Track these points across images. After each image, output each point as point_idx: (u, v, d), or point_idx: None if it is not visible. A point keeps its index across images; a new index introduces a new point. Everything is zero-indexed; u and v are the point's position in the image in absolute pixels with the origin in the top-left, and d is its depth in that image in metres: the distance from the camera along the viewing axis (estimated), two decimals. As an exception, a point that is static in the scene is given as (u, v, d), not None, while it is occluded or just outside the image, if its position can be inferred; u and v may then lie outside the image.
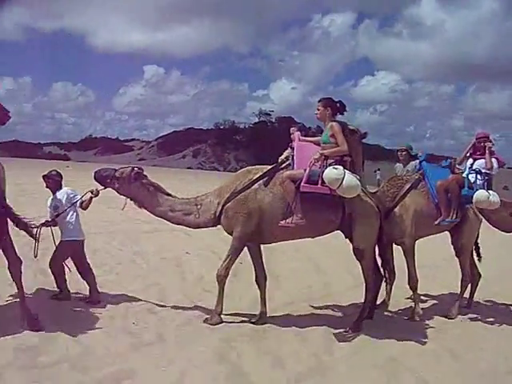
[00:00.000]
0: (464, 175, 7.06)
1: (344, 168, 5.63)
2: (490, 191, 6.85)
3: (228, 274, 6.14)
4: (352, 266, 7.00)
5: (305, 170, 5.72)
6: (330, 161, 5.75)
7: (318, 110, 6.08)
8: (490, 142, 7.14)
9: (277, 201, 5.95)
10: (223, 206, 6.11)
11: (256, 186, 6.07)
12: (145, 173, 6.43)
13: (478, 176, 7.00)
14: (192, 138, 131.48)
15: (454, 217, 6.82)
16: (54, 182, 6.59)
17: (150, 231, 11.67)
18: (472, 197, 6.77)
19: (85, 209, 6.57)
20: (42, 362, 4.56)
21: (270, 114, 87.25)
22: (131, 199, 6.36)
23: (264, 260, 6.48)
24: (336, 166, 5.62)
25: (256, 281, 6.48)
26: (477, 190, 6.82)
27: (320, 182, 5.65)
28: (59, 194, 6.52)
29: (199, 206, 6.28)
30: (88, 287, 6.58)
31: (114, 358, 4.78)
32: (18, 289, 5.52)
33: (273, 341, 5.70)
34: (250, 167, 6.62)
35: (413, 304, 6.98)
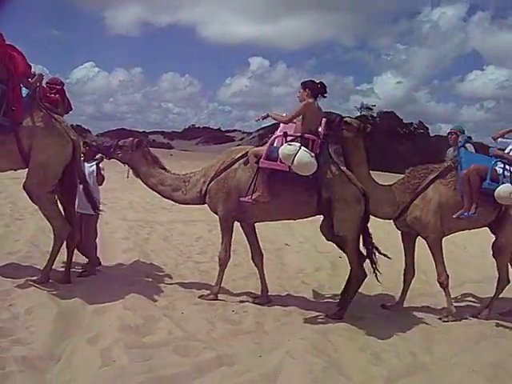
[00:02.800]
0: (490, 165, 6.35)
1: (304, 146, 5.62)
2: None
3: (229, 255, 6.35)
4: (452, 264, 6.73)
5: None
6: (289, 138, 5.77)
7: (299, 92, 6.07)
8: None
9: (251, 174, 6.01)
10: (208, 185, 6.29)
11: (236, 165, 6.18)
12: (145, 143, 6.71)
13: (507, 167, 6.35)
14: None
15: (473, 211, 6.20)
16: (91, 151, 6.87)
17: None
18: (494, 191, 6.17)
19: (100, 183, 6.94)
20: (145, 342, 4.72)
21: (371, 109, 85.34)
22: (131, 168, 6.63)
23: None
24: (291, 143, 5.63)
25: (252, 259, 6.62)
26: (503, 183, 6.21)
27: (279, 158, 5.65)
28: (87, 165, 6.81)
29: (187, 184, 6.49)
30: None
31: (213, 344, 4.86)
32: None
33: (370, 336, 5.59)
34: (233, 147, 6.85)
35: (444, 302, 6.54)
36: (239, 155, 6.25)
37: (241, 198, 5.96)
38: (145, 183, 6.67)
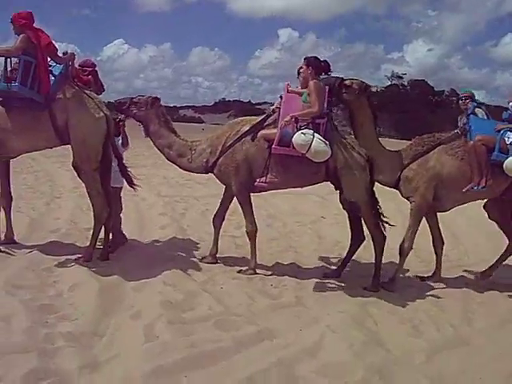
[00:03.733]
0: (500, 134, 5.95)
1: (316, 131, 5.63)
2: None
3: (256, 227, 6.43)
4: (492, 236, 6.61)
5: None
6: (301, 123, 5.71)
7: (302, 67, 6.07)
8: None
9: (261, 153, 6.06)
10: (216, 160, 6.31)
11: (243, 139, 6.18)
12: (161, 102, 6.65)
13: None
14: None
15: (483, 185, 5.89)
16: (119, 127, 6.94)
17: (284, 192, 11.77)
18: (503, 162, 5.83)
19: (126, 144, 7.01)
20: (186, 317, 4.78)
21: (402, 77, 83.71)
22: (143, 126, 6.60)
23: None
24: (304, 131, 5.61)
25: (213, 221, 6.81)
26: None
27: (291, 144, 5.65)
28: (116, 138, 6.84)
29: (193, 152, 6.48)
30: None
31: (253, 319, 4.89)
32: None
33: (409, 309, 5.56)
34: (240, 118, 6.77)
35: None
36: (245, 128, 6.25)
37: (256, 183, 6.07)
38: (153, 143, 6.65)
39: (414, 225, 6.18)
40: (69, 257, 6.21)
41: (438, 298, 5.94)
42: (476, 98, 6.60)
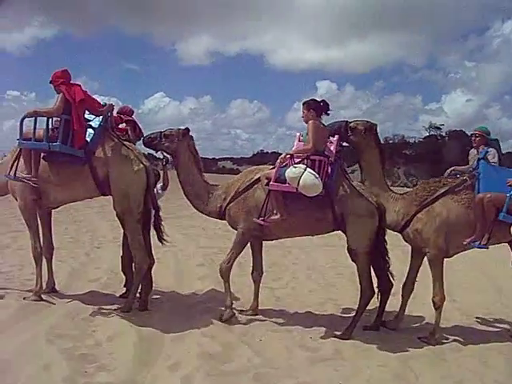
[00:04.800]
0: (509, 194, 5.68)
1: (309, 167, 5.68)
2: None
3: (231, 267, 6.29)
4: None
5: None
6: (296, 160, 5.76)
7: (303, 112, 6.11)
8: None
9: (266, 197, 6.02)
10: (227, 204, 6.32)
11: (255, 185, 6.21)
12: (191, 133, 6.61)
13: None
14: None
15: (485, 242, 5.70)
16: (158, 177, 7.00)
17: (323, 245, 11.71)
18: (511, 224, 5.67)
19: (166, 186, 7.10)
20: (225, 370, 4.72)
21: (440, 128, 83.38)
22: (174, 157, 6.58)
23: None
24: (296, 165, 5.70)
25: (252, 275, 6.61)
26: None
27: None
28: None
29: (210, 195, 6.49)
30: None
31: (292, 372, 4.80)
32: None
33: (452, 363, 5.37)
34: (255, 166, 6.75)
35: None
36: (258, 176, 6.25)
37: (254, 219, 6.01)
38: (178, 176, 6.63)
39: (437, 276, 6.01)
40: (108, 306, 6.24)
41: (481, 352, 5.71)
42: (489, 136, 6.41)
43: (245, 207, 6.20)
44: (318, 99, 6.15)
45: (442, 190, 6.07)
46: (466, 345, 5.94)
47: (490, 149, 6.18)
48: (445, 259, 6.05)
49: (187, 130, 6.58)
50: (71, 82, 6.18)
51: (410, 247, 6.41)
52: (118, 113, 6.91)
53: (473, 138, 6.52)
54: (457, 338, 6.19)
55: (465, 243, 5.86)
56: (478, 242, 5.77)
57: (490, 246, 5.84)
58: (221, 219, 6.59)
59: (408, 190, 6.70)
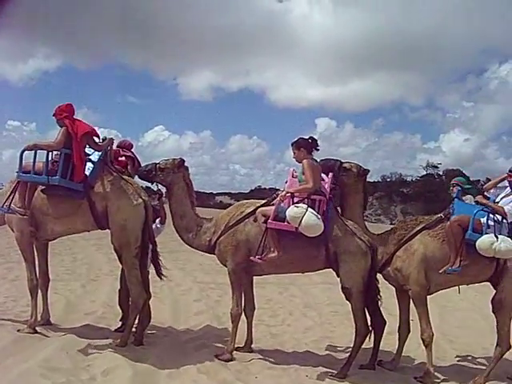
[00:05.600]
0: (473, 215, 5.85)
1: (310, 207, 5.68)
2: (502, 236, 5.68)
3: (241, 310, 6.24)
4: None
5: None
6: (296, 199, 5.75)
7: (294, 153, 6.12)
8: None
9: (261, 233, 5.93)
10: (218, 237, 6.23)
11: (246, 220, 6.16)
12: (186, 164, 6.53)
13: (491, 216, 5.87)
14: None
15: (457, 265, 5.75)
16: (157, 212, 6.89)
17: (320, 283, 11.65)
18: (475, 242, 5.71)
19: (164, 220, 6.98)
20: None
21: (437, 167, 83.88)
22: (168, 189, 6.50)
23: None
24: (298, 205, 5.67)
25: (244, 311, 6.40)
26: (486, 233, 5.73)
27: (286, 219, 5.66)
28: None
29: (199, 228, 6.40)
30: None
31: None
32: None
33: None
34: (244, 201, 6.71)
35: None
36: (249, 210, 6.23)
37: (251, 258, 5.96)
38: (170, 206, 6.57)
39: (422, 312, 6.02)
40: (103, 341, 6.18)
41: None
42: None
43: (234, 241, 6.14)
44: (306, 137, 6.16)
45: (419, 228, 6.17)
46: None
47: (467, 196, 6.51)
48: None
49: (182, 160, 6.50)
50: (74, 116, 6.24)
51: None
52: (117, 146, 6.95)
53: (450, 189, 6.95)
54: (454, 378, 6.14)
55: (440, 272, 5.87)
56: (450, 267, 5.81)
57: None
58: (209, 253, 6.53)
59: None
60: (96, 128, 6.43)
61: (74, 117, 6.22)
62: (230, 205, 7.00)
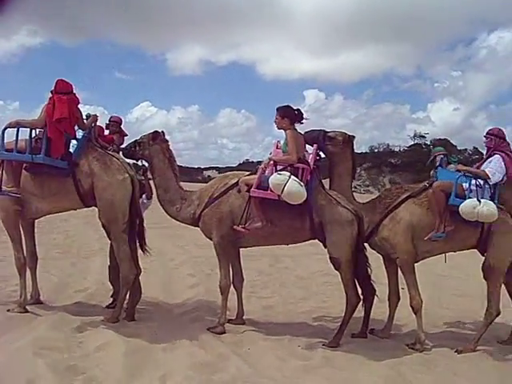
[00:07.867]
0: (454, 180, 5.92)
1: (293, 175, 5.63)
2: (485, 200, 5.74)
3: (230, 282, 6.25)
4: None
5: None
6: (279, 167, 5.73)
7: (277, 119, 6.04)
8: (499, 141, 6.15)
9: (246, 204, 5.92)
10: (202, 210, 6.21)
11: (229, 191, 6.13)
12: (166, 137, 6.47)
13: (473, 181, 5.90)
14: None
15: (442, 231, 5.82)
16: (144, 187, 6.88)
17: (314, 254, 11.65)
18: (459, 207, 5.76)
19: (150, 195, 7.01)
20: (216, 379, 4.66)
21: (425, 137, 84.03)
22: (149, 164, 6.47)
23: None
24: (281, 172, 5.64)
25: (233, 283, 6.42)
26: (469, 198, 5.77)
27: (269, 187, 5.61)
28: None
29: (183, 201, 6.36)
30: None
31: (284, 381, 4.77)
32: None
33: (444, 369, 5.39)
34: (229, 172, 6.70)
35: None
36: (233, 182, 6.19)
37: (234, 227, 5.96)
38: (153, 180, 6.52)
39: (410, 280, 6.06)
40: (96, 317, 6.15)
41: (472, 357, 5.73)
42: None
43: (218, 213, 6.10)
44: (293, 107, 6.08)
45: (404, 196, 6.17)
46: (453, 349, 5.96)
47: (450, 165, 6.54)
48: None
49: (156, 132, 6.44)
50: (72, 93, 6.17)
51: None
52: (108, 121, 6.90)
53: (434, 158, 6.88)
54: (446, 344, 6.19)
55: (426, 238, 5.90)
56: (435, 233, 5.86)
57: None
58: (195, 226, 6.46)
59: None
60: (82, 106, 6.37)
61: (68, 96, 6.08)
62: (217, 178, 6.89)
